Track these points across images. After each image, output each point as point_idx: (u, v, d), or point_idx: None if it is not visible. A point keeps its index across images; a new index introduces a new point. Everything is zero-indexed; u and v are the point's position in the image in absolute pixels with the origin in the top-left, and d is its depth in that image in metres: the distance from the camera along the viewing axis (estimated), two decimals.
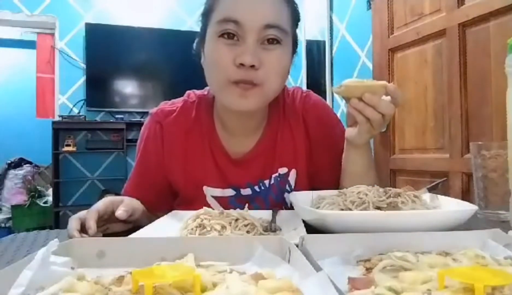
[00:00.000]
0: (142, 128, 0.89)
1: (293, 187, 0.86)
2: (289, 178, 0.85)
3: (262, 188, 0.85)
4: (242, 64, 0.68)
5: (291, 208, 0.75)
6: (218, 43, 0.71)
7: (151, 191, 0.85)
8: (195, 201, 0.82)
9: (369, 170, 0.80)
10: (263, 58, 0.70)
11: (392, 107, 0.70)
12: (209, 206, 0.79)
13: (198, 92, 0.90)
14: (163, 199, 0.87)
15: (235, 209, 0.80)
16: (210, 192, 0.83)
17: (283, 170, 0.85)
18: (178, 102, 0.88)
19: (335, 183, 0.84)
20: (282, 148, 0.85)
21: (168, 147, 0.83)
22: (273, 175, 0.85)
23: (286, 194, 0.86)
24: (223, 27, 0.70)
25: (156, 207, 0.84)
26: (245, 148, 0.84)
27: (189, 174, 0.84)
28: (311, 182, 0.87)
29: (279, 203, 0.84)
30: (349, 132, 0.76)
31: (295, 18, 0.77)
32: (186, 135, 0.83)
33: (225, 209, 0.81)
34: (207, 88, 0.88)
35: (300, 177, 0.86)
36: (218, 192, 0.83)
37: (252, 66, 0.69)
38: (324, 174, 0.88)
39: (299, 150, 0.86)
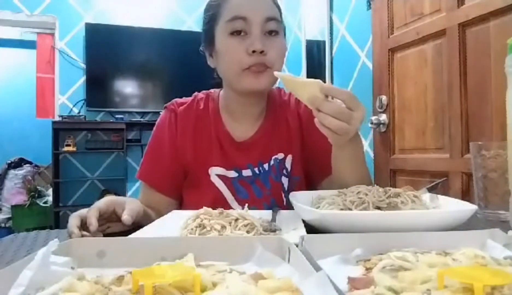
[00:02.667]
0: (158, 120, 0.99)
1: (289, 171, 0.95)
2: (286, 163, 0.96)
3: (262, 171, 0.94)
4: (254, 51, 0.81)
5: (288, 193, 0.86)
6: (230, 40, 0.84)
7: (163, 172, 0.94)
8: (201, 183, 0.92)
9: (352, 166, 0.80)
10: (268, 45, 0.83)
11: (339, 110, 0.66)
12: (214, 186, 0.91)
13: (204, 91, 1.02)
14: (173, 180, 0.96)
15: (237, 190, 0.91)
16: (214, 171, 0.92)
17: (280, 156, 0.95)
18: (188, 98, 1.00)
19: (327, 172, 0.89)
20: (279, 135, 0.96)
21: (181, 131, 0.95)
22: (273, 157, 0.94)
23: (283, 178, 0.95)
24: (233, 25, 0.84)
25: (167, 187, 0.95)
26: (247, 134, 0.95)
27: (197, 155, 0.93)
28: (305, 168, 0.98)
29: (278, 184, 0.93)
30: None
31: (280, 10, 0.92)
32: (196, 122, 0.95)
33: (229, 189, 0.91)
34: (212, 89, 1.02)
35: (295, 162, 0.96)
36: (222, 170, 0.92)
37: (261, 52, 0.82)
38: (318, 162, 0.95)
39: (294, 138, 0.97)
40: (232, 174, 0.92)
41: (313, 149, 0.96)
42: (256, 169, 0.93)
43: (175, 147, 0.94)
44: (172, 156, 0.94)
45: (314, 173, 0.98)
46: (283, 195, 0.93)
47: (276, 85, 0.94)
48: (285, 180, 0.94)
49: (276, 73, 0.75)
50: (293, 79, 0.71)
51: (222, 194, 0.91)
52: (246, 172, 0.93)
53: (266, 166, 0.94)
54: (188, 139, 0.94)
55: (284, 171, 0.95)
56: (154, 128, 0.98)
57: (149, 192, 0.94)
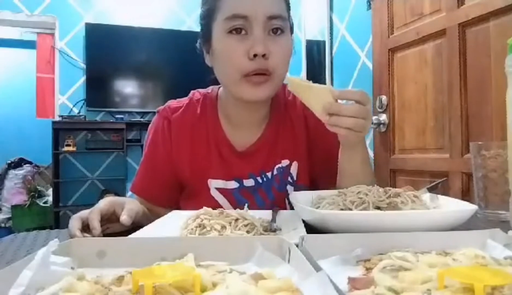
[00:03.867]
0: (150, 125, 0.92)
1: (295, 179, 0.89)
2: (291, 171, 0.89)
3: (265, 179, 0.88)
4: (255, 55, 0.73)
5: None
6: (228, 39, 0.76)
7: (159, 185, 0.89)
8: (200, 195, 0.86)
9: (364, 168, 0.79)
10: (271, 47, 0.75)
11: (357, 109, 0.67)
12: (213, 199, 0.85)
13: (202, 90, 0.94)
14: (170, 193, 0.91)
15: (239, 201, 0.85)
16: (214, 184, 0.86)
17: (285, 162, 0.89)
18: (184, 100, 0.92)
19: (334, 179, 0.85)
20: (284, 141, 0.89)
21: (176, 140, 0.87)
22: (276, 166, 0.88)
23: (288, 186, 0.89)
24: (231, 23, 0.75)
25: (163, 201, 0.89)
26: (249, 141, 0.88)
27: (195, 166, 0.87)
28: (312, 175, 0.91)
29: (282, 194, 0.88)
30: (339, 135, 0.75)
31: (288, 4, 0.84)
32: (192, 129, 0.87)
33: (229, 201, 0.85)
34: (210, 87, 0.93)
35: (301, 169, 0.90)
36: (222, 183, 0.86)
37: (263, 55, 0.74)
38: (323, 168, 0.90)
39: (300, 143, 0.90)
40: (233, 184, 0.86)
41: (320, 155, 0.90)
42: (258, 178, 0.87)
43: (170, 159, 0.87)
44: (168, 169, 0.88)
45: (319, 180, 0.92)
46: (286, 204, 0.88)
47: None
48: (290, 189, 0.88)
49: (288, 77, 0.73)
50: (302, 84, 0.70)
51: (222, 207, 0.83)
52: (248, 182, 0.87)
53: (269, 174, 0.88)
54: (184, 150, 0.87)
55: (289, 179, 0.89)
56: (148, 136, 0.91)
57: (145, 204, 0.87)
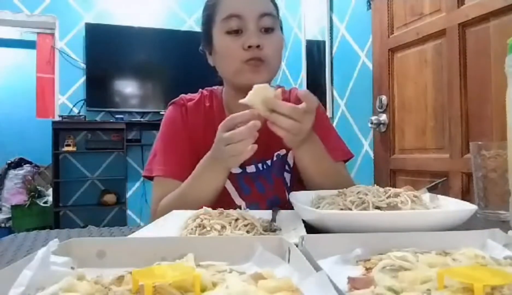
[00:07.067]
0: (164, 116, 0.99)
1: (291, 166, 0.97)
2: (288, 159, 0.97)
3: (265, 167, 0.95)
4: (250, 47, 0.83)
5: (290, 188, 0.91)
6: (227, 37, 0.86)
7: (185, 165, 0.91)
8: None
9: (318, 164, 0.83)
10: (264, 41, 0.85)
11: (293, 109, 0.70)
12: None
13: (208, 88, 1.04)
14: (188, 174, 0.93)
15: (242, 188, 0.93)
16: None
17: (282, 151, 0.97)
18: (194, 94, 1.02)
19: None
20: None
21: (192, 127, 0.95)
22: (275, 153, 0.96)
23: (286, 174, 0.96)
24: (228, 23, 0.85)
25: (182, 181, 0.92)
26: None
27: (206, 152, 0.90)
28: None
29: (280, 179, 0.96)
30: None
31: (275, 5, 0.93)
32: (204, 119, 0.96)
33: (233, 185, 0.93)
34: (215, 86, 1.03)
35: None
36: None
37: (258, 47, 0.84)
38: None
39: None
40: (237, 170, 0.93)
41: None
42: (260, 165, 0.95)
43: (191, 140, 0.94)
44: (190, 148, 0.93)
45: None
46: (285, 191, 0.95)
47: (277, 82, 0.94)
48: (287, 176, 0.96)
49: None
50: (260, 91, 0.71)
51: (226, 189, 0.91)
52: (250, 168, 0.94)
53: (269, 162, 0.95)
54: (198, 135, 0.94)
55: (286, 167, 0.96)
56: (163, 125, 0.97)
57: (173, 186, 0.88)
